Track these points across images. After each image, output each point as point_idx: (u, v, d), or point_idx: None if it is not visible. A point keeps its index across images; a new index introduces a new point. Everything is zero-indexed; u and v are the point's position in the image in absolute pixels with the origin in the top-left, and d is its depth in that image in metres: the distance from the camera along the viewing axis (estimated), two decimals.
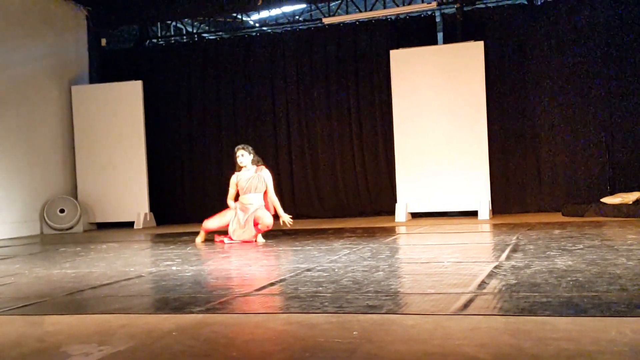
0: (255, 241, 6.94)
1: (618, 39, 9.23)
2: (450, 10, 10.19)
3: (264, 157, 10.83)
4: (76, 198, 10.63)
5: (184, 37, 12.19)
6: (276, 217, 7.13)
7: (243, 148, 7.12)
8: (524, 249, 5.16)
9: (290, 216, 7.11)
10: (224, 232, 7.21)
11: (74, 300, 3.88)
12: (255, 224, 6.99)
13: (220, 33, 11.95)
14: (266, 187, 7.08)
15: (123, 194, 10.61)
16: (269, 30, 11.70)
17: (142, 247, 7.35)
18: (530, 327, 2.61)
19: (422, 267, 4.56)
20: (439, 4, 9.99)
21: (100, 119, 10.72)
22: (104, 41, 11.52)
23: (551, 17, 9.52)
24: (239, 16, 12.06)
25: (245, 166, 7.08)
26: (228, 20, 12.28)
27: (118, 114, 10.68)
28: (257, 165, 7.14)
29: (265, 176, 7.07)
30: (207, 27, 12.50)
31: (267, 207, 7.09)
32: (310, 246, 6.15)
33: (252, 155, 7.12)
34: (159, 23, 11.98)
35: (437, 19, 10.35)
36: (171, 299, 3.72)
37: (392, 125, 9.49)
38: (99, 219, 10.79)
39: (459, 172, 9.13)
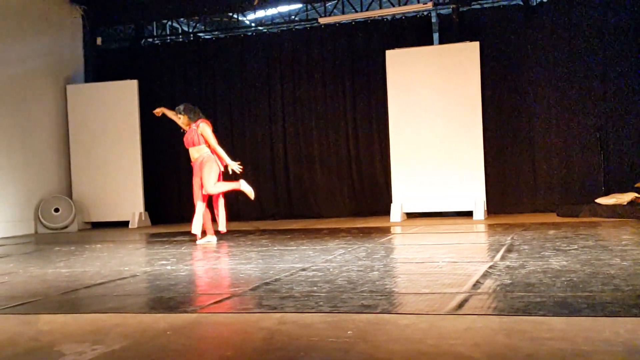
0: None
1: (613, 39, 9.24)
2: (446, 10, 10.19)
3: (259, 157, 10.92)
4: (71, 197, 10.60)
5: (180, 36, 12.17)
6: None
7: (176, 111, 7.26)
8: (519, 249, 5.16)
9: (239, 162, 7.14)
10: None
11: (68, 300, 3.87)
12: (215, 208, 7.16)
13: (216, 32, 11.93)
14: (205, 140, 7.08)
15: (118, 193, 10.58)
16: (265, 30, 11.69)
17: (136, 246, 7.34)
18: (525, 327, 2.61)
19: (416, 267, 4.57)
20: (434, 5, 10.00)
21: (96, 118, 10.69)
22: (99, 40, 11.48)
23: (547, 17, 9.53)
24: (235, 16, 12.05)
25: (187, 127, 7.20)
26: (224, 19, 12.26)
27: (113, 113, 10.65)
28: (194, 121, 7.16)
29: (199, 129, 7.07)
30: (203, 27, 12.48)
31: (221, 160, 7.12)
32: (305, 246, 6.15)
33: (184, 115, 7.18)
34: (154, 22, 11.95)
35: (433, 19, 10.35)
36: (165, 298, 3.72)
37: (388, 126, 9.48)
38: (93, 219, 10.76)
39: (454, 172, 9.13)
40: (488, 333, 2.57)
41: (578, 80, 9.38)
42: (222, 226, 7.19)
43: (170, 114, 7.53)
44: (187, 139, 7.16)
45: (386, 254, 5.39)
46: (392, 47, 9.63)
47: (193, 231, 7.02)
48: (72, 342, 2.74)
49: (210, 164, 7.00)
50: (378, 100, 10.11)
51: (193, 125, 7.14)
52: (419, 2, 10.19)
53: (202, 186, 7.02)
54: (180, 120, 7.25)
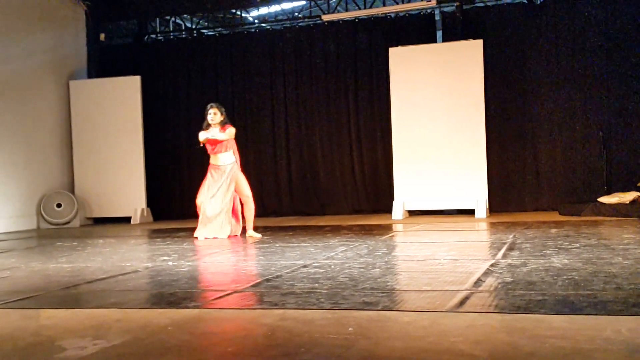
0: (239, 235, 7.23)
1: (616, 38, 9.22)
2: (449, 8, 10.16)
3: (261, 154, 10.93)
4: (73, 193, 10.61)
5: (183, 32, 12.17)
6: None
7: (217, 107, 7.21)
8: (521, 247, 5.16)
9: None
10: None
11: (69, 295, 3.88)
12: (235, 214, 7.21)
13: (220, 29, 11.92)
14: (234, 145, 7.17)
15: (120, 189, 10.59)
16: (268, 27, 11.68)
17: (138, 242, 7.34)
18: (526, 325, 2.61)
19: (418, 264, 4.57)
20: (438, 2, 9.97)
21: (98, 114, 10.69)
22: (102, 36, 11.48)
23: (550, 15, 9.52)
24: (238, 12, 12.04)
25: (214, 125, 7.14)
26: (227, 16, 12.25)
27: (116, 109, 10.66)
28: (223, 126, 7.16)
29: (227, 132, 7.11)
30: (206, 23, 12.47)
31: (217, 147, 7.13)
32: (306, 243, 6.15)
33: (223, 116, 7.17)
34: (157, 18, 11.95)
35: (437, 17, 10.33)
36: (167, 294, 3.72)
37: (391, 123, 9.48)
38: (96, 214, 10.76)
39: (456, 170, 9.12)
40: (489, 331, 2.57)
41: (581, 79, 9.36)
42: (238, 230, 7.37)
43: (205, 134, 7.21)
44: (216, 145, 7.10)
45: (388, 251, 5.39)
46: (395, 45, 9.62)
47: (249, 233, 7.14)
48: (74, 337, 2.75)
49: (239, 172, 7.17)
50: (381, 97, 10.09)
51: (219, 130, 7.11)
52: (422, 0, 10.17)
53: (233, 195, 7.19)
54: (215, 116, 7.11)
